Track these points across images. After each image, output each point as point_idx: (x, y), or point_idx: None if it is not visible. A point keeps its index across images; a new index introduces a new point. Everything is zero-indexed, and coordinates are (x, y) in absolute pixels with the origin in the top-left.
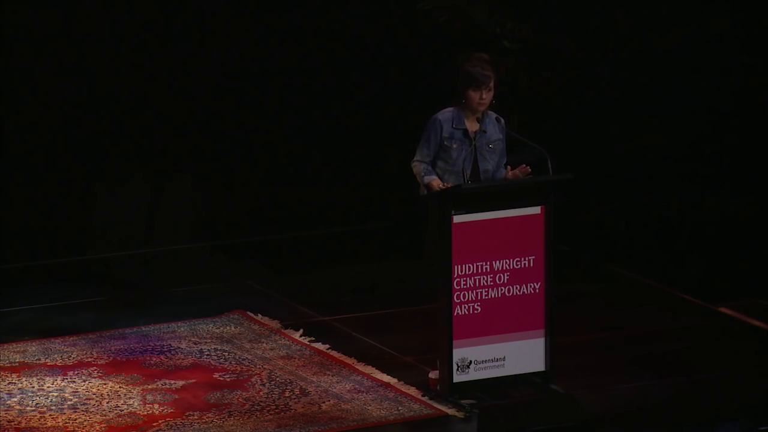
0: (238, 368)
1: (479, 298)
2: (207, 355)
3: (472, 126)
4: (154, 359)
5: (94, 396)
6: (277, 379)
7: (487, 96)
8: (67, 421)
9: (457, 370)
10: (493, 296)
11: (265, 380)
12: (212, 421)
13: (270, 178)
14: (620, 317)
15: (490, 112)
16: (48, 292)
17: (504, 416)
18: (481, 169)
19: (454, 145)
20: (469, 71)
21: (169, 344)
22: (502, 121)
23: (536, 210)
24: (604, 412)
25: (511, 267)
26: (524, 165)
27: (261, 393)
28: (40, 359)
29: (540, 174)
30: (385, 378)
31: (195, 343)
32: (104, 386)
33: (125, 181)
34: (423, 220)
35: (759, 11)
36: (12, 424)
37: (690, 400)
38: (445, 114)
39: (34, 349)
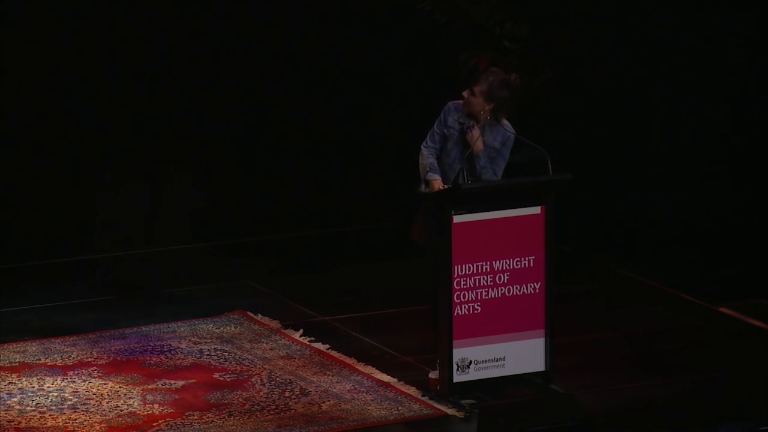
0: (238, 368)
1: (479, 298)
2: (207, 355)
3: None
4: (154, 359)
5: (94, 396)
6: (277, 379)
7: (468, 98)
8: (67, 421)
9: (457, 370)
10: (493, 296)
11: (265, 380)
12: (212, 421)
13: (270, 178)
14: (620, 317)
15: (505, 122)
16: (48, 292)
17: (504, 416)
18: (467, 170)
19: (452, 138)
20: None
21: (169, 344)
22: (511, 135)
23: (536, 210)
24: (604, 412)
25: (511, 267)
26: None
27: (261, 393)
28: (40, 359)
29: (540, 174)
30: (385, 378)
31: (195, 343)
32: (104, 386)
33: (125, 181)
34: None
35: (761, 11)
36: (12, 424)
37: (690, 400)
38: (456, 104)
39: (34, 349)
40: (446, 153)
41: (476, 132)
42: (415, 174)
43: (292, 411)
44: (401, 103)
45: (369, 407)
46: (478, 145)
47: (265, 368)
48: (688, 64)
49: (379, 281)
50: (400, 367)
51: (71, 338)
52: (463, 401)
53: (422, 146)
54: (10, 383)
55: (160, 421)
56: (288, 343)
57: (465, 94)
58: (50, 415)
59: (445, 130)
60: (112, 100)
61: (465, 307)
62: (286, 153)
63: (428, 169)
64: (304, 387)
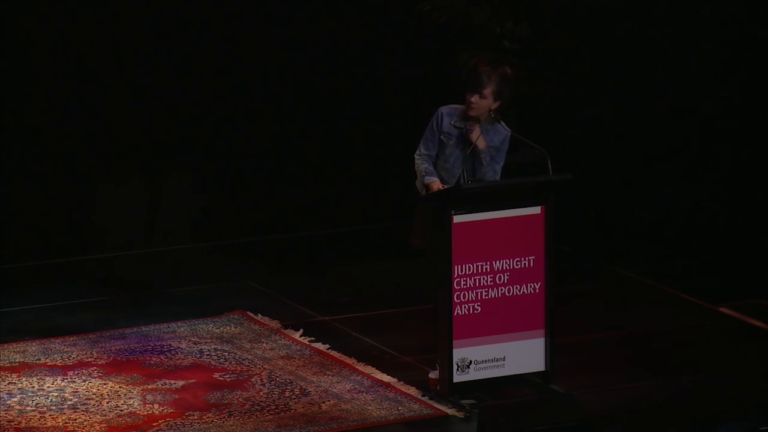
0: (238, 368)
1: (479, 298)
2: (207, 355)
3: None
4: (154, 359)
5: (94, 396)
6: (277, 379)
7: (479, 102)
8: (67, 421)
9: (457, 370)
10: (493, 296)
11: (265, 380)
12: (212, 421)
13: (270, 178)
14: (620, 317)
15: (496, 120)
16: (48, 292)
17: (504, 416)
18: (467, 170)
19: (450, 142)
20: (475, 73)
21: (169, 344)
22: (508, 133)
23: (536, 210)
24: (604, 412)
25: (511, 267)
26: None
27: (261, 393)
28: (40, 359)
29: (540, 174)
30: (385, 378)
31: (195, 343)
32: (104, 386)
33: (125, 181)
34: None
35: (760, 11)
36: (12, 424)
37: (690, 400)
38: (449, 109)
39: (34, 349)
40: (444, 158)
41: (477, 131)
42: (414, 175)
43: (292, 411)
44: (402, 103)
45: (369, 407)
46: (482, 143)
47: (265, 368)
48: (689, 64)
49: (379, 281)
50: (400, 367)
51: (71, 338)
52: (463, 401)
53: (416, 155)
54: (10, 383)
55: (160, 421)
56: (288, 343)
57: (474, 99)
58: (50, 415)
59: (442, 137)
60: (112, 100)
61: (465, 307)
62: (286, 153)
63: (424, 173)
64: (304, 387)
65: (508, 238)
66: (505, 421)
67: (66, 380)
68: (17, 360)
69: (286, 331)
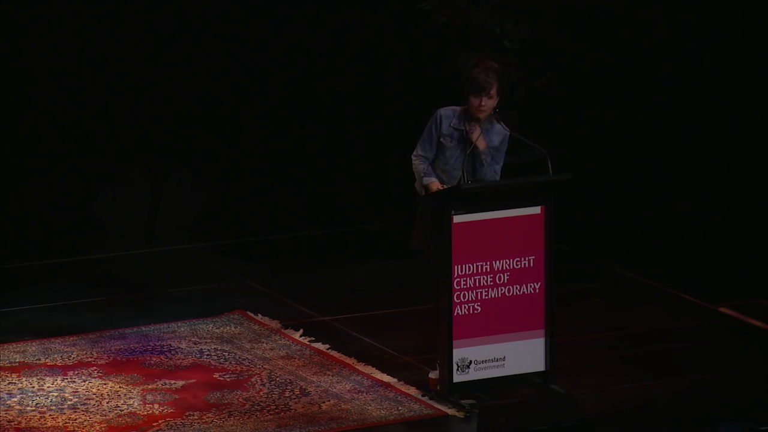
0: (238, 368)
1: (479, 298)
2: (207, 355)
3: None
4: (154, 359)
5: (94, 396)
6: (277, 379)
7: (487, 103)
8: (67, 421)
9: (457, 370)
10: (493, 296)
11: (265, 380)
12: (212, 421)
13: (270, 178)
14: (620, 317)
15: (496, 120)
16: (48, 292)
17: (504, 416)
18: (468, 171)
19: (450, 144)
20: (473, 77)
21: (169, 344)
22: (507, 132)
23: (536, 210)
24: (604, 412)
25: (511, 267)
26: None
27: (261, 393)
28: (40, 359)
29: (540, 174)
30: (385, 378)
31: (195, 343)
32: (104, 386)
33: (125, 181)
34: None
35: (759, 11)
36: (12, 424)
37: (690, 400)
38: (448, 111)
39: (34, 349)
40: (444, 160)
41: (477, 131)
42: (413, 176)
43: (292, 411)
44: (402, 103)
45: (369, 407)
46: (482, 143)
47: (265, 368)
48: (689, 66)
49: (379, 281)
50: (400, 367)
51: (71, 338)
52: (463, 401)
53: (413, 156)
54: (10, 383)
55: (160, 421)
56: (288, 343)
57: (483, 101)
58: (50, 415)
59: (442, 139)
60: (112, 100)
61: (465, 307)
62: (286, 153)
63: (423, 174)
64: (304, 387)
65: (508, 238)
66: (505, 421)
67: (66, 380)
68: (17, 360)
69: (286, 331)
